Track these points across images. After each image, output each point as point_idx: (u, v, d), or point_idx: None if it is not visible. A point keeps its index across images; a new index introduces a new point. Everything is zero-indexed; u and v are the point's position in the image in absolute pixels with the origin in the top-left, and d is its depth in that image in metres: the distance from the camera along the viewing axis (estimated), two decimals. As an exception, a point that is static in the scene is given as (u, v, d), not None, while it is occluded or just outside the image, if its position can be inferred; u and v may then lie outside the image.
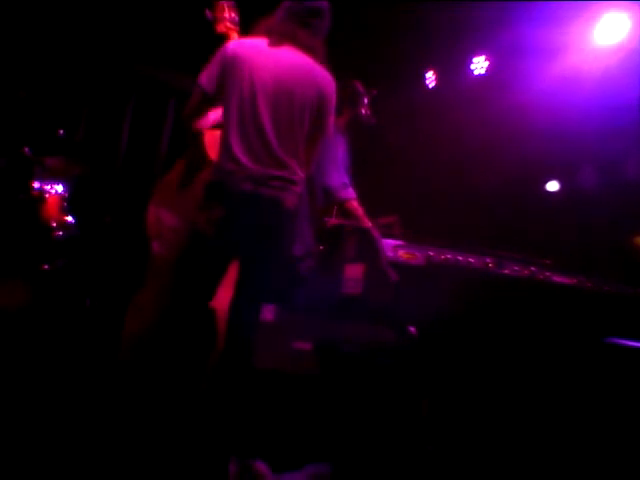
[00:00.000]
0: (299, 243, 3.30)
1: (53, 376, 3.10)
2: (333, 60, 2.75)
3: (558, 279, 3.01)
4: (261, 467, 2.58)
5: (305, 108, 2.62)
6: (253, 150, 2.53)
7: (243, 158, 2.51)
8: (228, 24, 2.99)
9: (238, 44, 2.67)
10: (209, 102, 2.69)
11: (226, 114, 2.61)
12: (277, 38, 2.63)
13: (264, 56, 2.60)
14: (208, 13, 3.00)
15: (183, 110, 2.74)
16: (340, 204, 3.78)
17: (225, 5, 3.02)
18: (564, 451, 2.80)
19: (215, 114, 2.83)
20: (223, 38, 2.94)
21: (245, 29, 2.84)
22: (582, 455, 2.78)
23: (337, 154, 3.80)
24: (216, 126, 2.86)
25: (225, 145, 2.56)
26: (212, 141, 2.85)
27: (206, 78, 2.63)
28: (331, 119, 2.75)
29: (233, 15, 3.03)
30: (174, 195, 2.96)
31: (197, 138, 2.96)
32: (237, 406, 2.61)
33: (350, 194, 3.80)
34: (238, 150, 2.52)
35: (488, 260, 3.08)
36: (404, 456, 2.84)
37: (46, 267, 4.15)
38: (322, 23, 2.74)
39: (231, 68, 2.58)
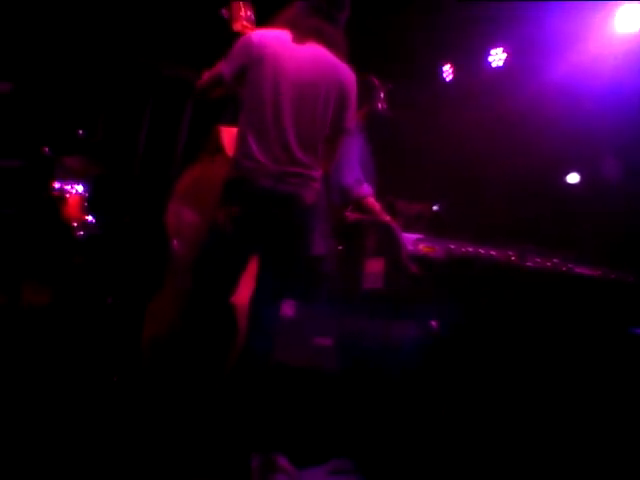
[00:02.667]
0: (320, 242, 3.29)
1: (76, 374, 3.12)
2: (349, 54, 2.73)
3: (581, 270, 2.98)
4: (283, 462, 2.58)
5: (329, 105, 2.60)
6: (271, 148, 2.51)
7: (260, 156, 2.50)
8: (244, 22, 2.96)
9: (263, 36, 2.61)
10: (223, 87, 2.65)
11: (245, 109, 2.59)
12: (302, 33, 2.59)
13: (289, 52, 2.56)
14: (224, 12, 2.98)
15: (196, 84, 2.71)
16: (356, 202, 3.75)
17: (241, 3, 3.00)
18: (591, 443, 2.77)
19: None
20: (239, 37, 2.94)
21: (261, 27, 2.82)
22: (608, 449, 2.75)
23: (351, 150, 3.77)
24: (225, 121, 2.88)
25: (242, 142, 2.54)
26: (230, 137, 2.84)
27: (227, 64, 2.59)
28: (352, 116, 2.73)
29: (249, 13, 3.00)
30: (193, 193, 2.97)
31: (214, 134, 2.96)
32: (258, 402, 2.62)
33: (365, 191, 3.76)
34: (255, 148, 2.50)
35: (510, 253, 3.05)
36: (426, 452, 2.83)
37: (67, 266, 4.18)
38: (345, 15, 2.71)
39: (255, 60, 2.54)
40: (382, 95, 3.97)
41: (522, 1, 5.08)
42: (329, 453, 2.72)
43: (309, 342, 3.14)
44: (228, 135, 2.89)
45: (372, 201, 3.76)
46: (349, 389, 3.01)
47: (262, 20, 2.85)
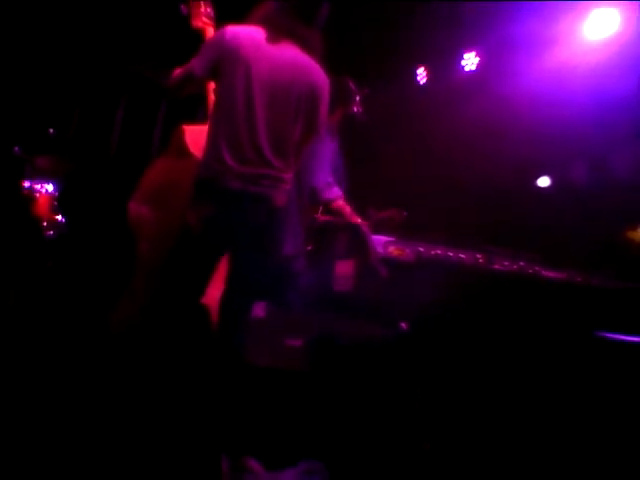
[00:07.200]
0: (290, 242, 3.29)
1: (41, 375, 3.09)
2: (325, 58, 2.73)
3: (547, 273, 3.02)
4: (253, 464, 2.58)
5: (300, 108, 2.58)
6: (242, 150, 2.49)
7: (231, 159, 2.48)
8: (204, 19, 2.96)
9: (236, 32, 2.56)
10: (194, 83, 2.64)
11: (217, 109, 2.58)
12: (275, 32, 2.56)
13: (262, 52, 2.52)
14: (183, 8, 2.97)
15: (167, 81, 2.66)
16: (325, 204, 3.76)
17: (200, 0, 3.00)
18: (555, 442, 2.81)
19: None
20: (200, 34, 2.94)
21: (220, 24, 2.79)
22: (572, 445, 2.79)
23: (323, 153, 3.77)
24: (199, 121, 2.87)
25: (213, 144, 2.52)
26: (194, 137, 2.83)
27: (198, 60, 2.55)
28: (323, 119, 2.72)
29: (209, 10, 3.00)
30: (156, 192, 2.94)
31: (177, 134, 2.94)
32: (229, 403, 2.61)
33: (334, 194, 3.77)
34: (226, 150, 2.48)
35: (478, 255, 3.08)
36: (397, 452, 2.84)
37: (37, 266, 4.15)
38: (321, 15, 2.69)
39: (227, 56, 2.50)
40: (358, 99, 3.98)
41: (495, 1, 5.12)
42: (299, 455, 2.72)
43: (279, 343, 3.15)
44: (192, 134, 2.88)
45: (342, 204, 3.77)
46: (319, 390, 3.02)
47: (226, 18, 2.82)
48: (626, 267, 4.93)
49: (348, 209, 3.73)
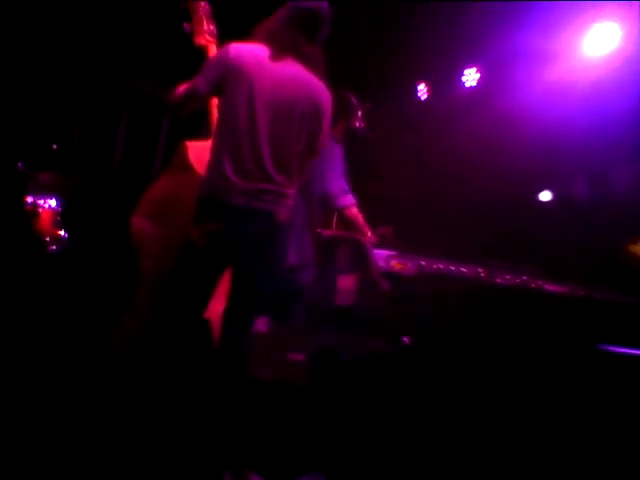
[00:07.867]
0: (295, 253, 3.29)
1: (42, 389, 3.08)
2: (327, 73, 2.74)
3: (550, 287, 3.03)
4: (255, 478, 2.57)
5: (303, 125, 2.60)
6: (245, 166, 2.50)
7: (234, 174, 2.49)
8: (207, 36, 2.98)
9: (239, 50, 2.57)
10: (198, 101, 2.66)
11: (220, 126, 2.60)
12: (278, 50, 2.58)
13: (265, 70, 2.54)
14: (186, 26, 2.99)
15: (170, 98, 2.65)
16: (340, 211, 3.77)
17: (203, 17, 3.02)
18: (557, 455, 2.80)
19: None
20: (203, 51, 2.96)
21: (223, 41, 2.80)
22: (574, 459, 2.78)
23: (336, 161, 3.79)
24: (202, 137, 2.88)
25: (216, 160, 2.53)
26: (197, 153, 2.84)
27: (202, 77, 2.57)
28: (326, 136, 2.73)
29: (212, 27, 3.01)
30: (158, 208, 2.95)
31: (180, 150, 2.95)
32: (231, 417, 2.61)
33: (349, 200, 3.78)
34: (229, 166, 2.49)
35: (480, 269, 3.09)
36: (400, 465, 2.84)
37: (39, 282, 4.15)
38: (324, 30, 2.71)
39: (231, 74, 2.52)
40: (360, 114, 4.00)
41: (494, 15, 5.15)
42: (301, 468, 2.71)
43: (281, 357, 3.14)
44: (195, 150, 2.89)
45: (355, 212, 3.78)
46: (321, 405, 3.01)
47: (229, 35, 2.83)
48: (628, 281, 4.92)
49: (361, 218, 3.74)
